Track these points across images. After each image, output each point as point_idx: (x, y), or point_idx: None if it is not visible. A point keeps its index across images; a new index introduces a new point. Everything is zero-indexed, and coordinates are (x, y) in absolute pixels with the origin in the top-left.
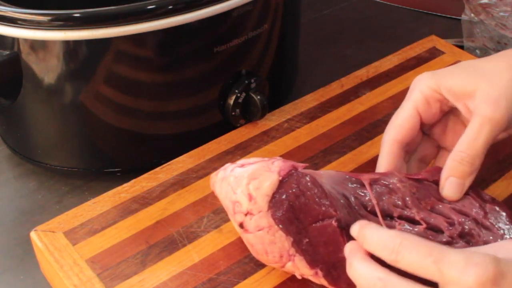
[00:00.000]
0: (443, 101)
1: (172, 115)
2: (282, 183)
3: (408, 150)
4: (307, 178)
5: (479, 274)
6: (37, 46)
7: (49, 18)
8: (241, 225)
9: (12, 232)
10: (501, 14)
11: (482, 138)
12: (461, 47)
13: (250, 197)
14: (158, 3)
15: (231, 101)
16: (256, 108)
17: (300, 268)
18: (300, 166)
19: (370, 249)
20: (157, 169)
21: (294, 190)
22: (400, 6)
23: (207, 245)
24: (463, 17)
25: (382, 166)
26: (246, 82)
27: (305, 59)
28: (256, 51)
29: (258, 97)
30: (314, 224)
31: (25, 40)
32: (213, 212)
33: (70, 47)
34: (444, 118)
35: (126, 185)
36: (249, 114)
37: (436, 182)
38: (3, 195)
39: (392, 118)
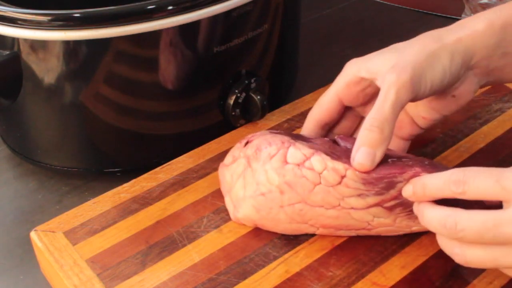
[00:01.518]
0: (364, 83)
1: (172, 115)
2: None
3: (329, 125)
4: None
5: None
6: (37, 46)
7: (49, 18)
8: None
9: (12, 232)
10: None
11: (388, 102)
12: None
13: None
14: (158, 3)
15: (231, 101)
16: (256, 108)
17: (301, 149)
18: None
19: (435, 193)
20: (157, 169)
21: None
22: (400, 6)
23: (207, 245)
24: (463, 17)
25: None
26: (246, 82)
27: (305, 59)
28: (256, 51)
29: (258, 97)
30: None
31: (25, 40)
32: (213, 212)
33: (70, 47)
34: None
35: (126, 185)
36: (249, 114)
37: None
38: (3, 195)
39: (319, 98)
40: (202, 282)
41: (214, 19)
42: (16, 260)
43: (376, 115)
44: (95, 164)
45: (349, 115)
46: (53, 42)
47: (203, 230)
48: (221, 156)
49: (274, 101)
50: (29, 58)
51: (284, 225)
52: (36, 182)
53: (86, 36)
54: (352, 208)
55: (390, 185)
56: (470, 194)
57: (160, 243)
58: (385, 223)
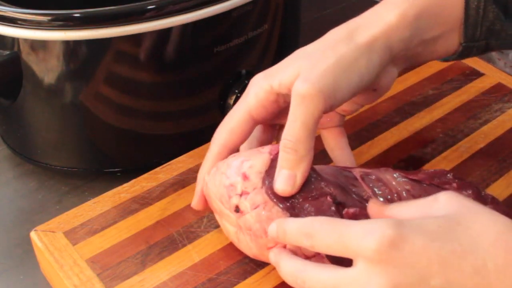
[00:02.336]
0: (280, 98)
1: (172, 115)
2: (273, 161)
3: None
4: None
5: (376, 240)
6: (37, 46)
7: (49, 18)
8: (237, 209)
9: (12, 232)
10: None
11: (298, 121)
12: None
13: (244, 176)
14: (158, 3)
15: (231, 101)
16: None
17: (302, 247)
18: None
19: (292, 241)
20: (157, 169)
21: None
22: None
23: (207, 245)
24: None
25: (205, 167)
26: (246, 82)
27: None
28: (256, 51)
29: None
30: (309, 201)
31: (25, 40)
32: (213, 212)
33: (70, 47)
34: None
35: (126, 185)
36: None
37: (436, 186)
38: (3, 195)
39: (225, 119)
40: (202, 282)
41: (214, 19)
42: (16, 260)
43: (288, 136)
44: (95, 164)
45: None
46: (53, 42)
47: (203, 230)
48: None
49: None
50: (29, 58)
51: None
52: (36, 182)
53: (86, 36)
54: None
55: None
56: (319, 248)
57: (160, 243)
58: None
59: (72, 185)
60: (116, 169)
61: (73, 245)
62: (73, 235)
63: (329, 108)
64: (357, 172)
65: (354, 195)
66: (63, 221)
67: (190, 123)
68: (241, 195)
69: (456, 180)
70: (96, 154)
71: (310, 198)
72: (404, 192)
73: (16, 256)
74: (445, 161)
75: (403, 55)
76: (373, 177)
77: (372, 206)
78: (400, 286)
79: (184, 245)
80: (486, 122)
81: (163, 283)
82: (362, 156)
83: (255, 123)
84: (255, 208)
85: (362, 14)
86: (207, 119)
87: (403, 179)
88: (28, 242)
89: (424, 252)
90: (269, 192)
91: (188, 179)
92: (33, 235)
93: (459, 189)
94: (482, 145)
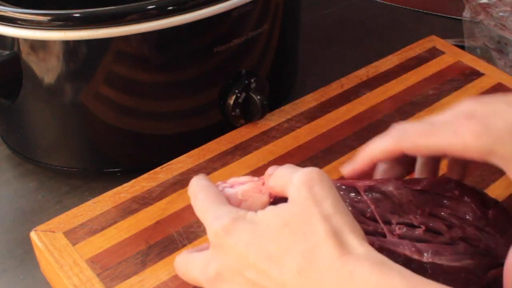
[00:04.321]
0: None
1: (172, 115)
2: (273, 203)
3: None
4: None
5: (218, 225)
6: (37, 46)
7: (49, 18)
8: None
9: (12, 232)
10: (501, 14)
11: None
12: (461, 47)
13: None
14: (158, 3)
15: (231, 101)
16: (256, 108)
17: None
18: None
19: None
20: (157, 169)
21: None
22: (400, 6)
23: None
24: (463, 17)
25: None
26: (246, 82)
27: (305, 59)
28: (256, 51)
29: (258, 97)
30: None
31: (25, 40)
32: None
33: (70, 47)
34: None
35: (126, 185)
36: (249, 114)
37: (437, 194)
38: (3, 195)
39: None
40: None
41: (214, 19)
42: (16, 260)
43: None
44: (95, 164)
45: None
46: (53, 42)
47: (203, 230)
48: (221, 156)
49: (274, 101)
50: (29, 58)
51: None
52: (36, 182)
53: (86, 36)
54: None
55: None
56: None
57: (160, 243)
58: None
59: (72, 185)
60: (116, 169)
61: (73, 245)
62: (73, 235)
63: None
64: (361, 187)
65: (355, 217)
66: (63, 221)
67: (190, 123)
68: None
69: (459, 188)
70: (96, 154)
71: None
72: (404, 205)
73: (16, 256)
74: (445, 161)
75: None
76: (377, 190)
77: None
78: (223, 271)
79: (184, 245)
80: None
81: (163, 283)
82: None
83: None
84: None
85: None
86: (207, 119)
87: (405, 189)
88: (28, 242)
89: (246, 245)
90: None
91: (188, 179)
92: (33, 235)
93: (461, 196)
94: None
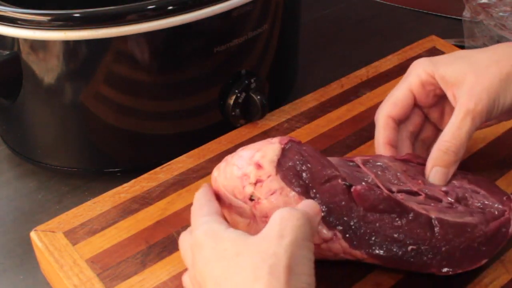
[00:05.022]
0: (437, 86)
1: (172, 115)
2: (284, 150)
3: (406, 128)
4: (306, 147)
5: (191, 240)
6: (37, 46)
7: (49, 18)
8: (252, 197)
9: (12, 232)
10: (501, 14)
11: (465, 129)
12: (461, 47)
13: (258, 165)
14: (158, 3)
15: (231, 101)
16: (256, 108)
17: (319, 230)
18: (297, 139)
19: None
20: (157, 169)
21: (297, 156)
22: (400, 6)
23: None
24: (463, 17)
25: (379, 139)
26: (246, 82)
27: (305, 59)
28: (256, 51)
29: (258, 97)
30: (322, 186)
31: (25, 40)
32: None
33: (70, 47)
34: (441, 103)
35: (126, 185)
36: (249, 114)
37: (420, 164)
38: (3, 195)
39: (387, 97)
40: None
41: (214, 19)
42: (16, 260)
43: (453, 140)
44: (95, 164)
45: (427, 126)
46: (53, 42)
47: None
48: (221, 156)
49: (274, 101)
50: (29, 58)
51: None
52: (36, 182)
53: (86, 36)
54: None
55: None
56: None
57: (160, 243)
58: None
59: (72, 185)
60: (116, 169)
61: (73, 245)
62: (73, 235)
63: (485, 122)
64: (359, 160)
65: (359, 178)
66: (63, 221)
67: (190, 123)
68: (255, 183)
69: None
70: (96, 154)
71: (323, 182)
72: (399, 173)
73: (16, 256)
74: None
75: None
76: (373, 163)
77: None
78: (195, 279)
79: None
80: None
81: (163, 283)
82: None
83: (413, 101)
84: (272, 194)
85: None
86: (207, 119)
87: (397, 162)
88: (28, 242)
89: (205, 265)
90: (285, 178)
91: (188, 179)
92: (33, 235)
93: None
94: (482, 145)
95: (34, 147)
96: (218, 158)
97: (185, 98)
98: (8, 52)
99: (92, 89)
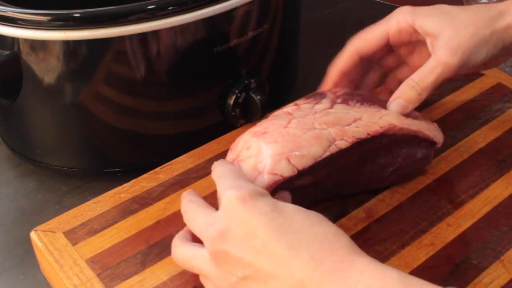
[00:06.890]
0: (413, 34)
1: (172, 115)
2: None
3: (378, 68)
4: None
5: (211, 231)
6: (37, 46)
7: (49, 18)
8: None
9: (12, 232)
10: None
11: (434, 76)
12: None
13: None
14: (158, 3)
15: (231, 101)
16: (256, 108)
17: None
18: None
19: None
20: (157, 169)
21: None
22: (400, 6)
23: None
24: None
25: (336, 64)
26: (246, 82)
27: (305, 59)
28: (256, 51)
29: (258, 97)
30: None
31: (25, 40)
32: None
33: (70, 47)
34: (419, 48)
35: (126, 185)
36: (249, 114)
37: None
38: (3, 195)
39: (362, 32)
40: (202, 282)
41: (214, 19)
42: (16, 260)
43: (420, 82)
44: (95, 164)
45: (391, 56)
46: (53, 42)
47: None
48: (221, 156)
49: (274, 101)
50: (29, 58)
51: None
52: (36, 182)
53: (86, 36)
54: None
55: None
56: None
57: (160, 243)
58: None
59: (72, 185)
60: (116, 169)
61: (73, 245)
62: (73, 235)
63: (453, 76)
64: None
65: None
66: (63, 221)
67: (190, 123)
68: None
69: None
70: (96, 154)
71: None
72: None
73: (16, 256)
74: (445, 161)
75: None
76: (341, 92)
77: None
78: (220, 272)
79: None
80: (486, 122)
81: (163, 283)
82: None
83: (387, 43)
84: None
85: (506, 2)
86: (207, 119)
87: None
88: (28, 242)
89: (236, 251)
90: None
91: (188, 179)
92: (33, 235)
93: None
94: (482, 145)
95: (34, 147)
96: (218, 158)
97: (185, 98)
98: (8, 52)
99: (92, 89)
